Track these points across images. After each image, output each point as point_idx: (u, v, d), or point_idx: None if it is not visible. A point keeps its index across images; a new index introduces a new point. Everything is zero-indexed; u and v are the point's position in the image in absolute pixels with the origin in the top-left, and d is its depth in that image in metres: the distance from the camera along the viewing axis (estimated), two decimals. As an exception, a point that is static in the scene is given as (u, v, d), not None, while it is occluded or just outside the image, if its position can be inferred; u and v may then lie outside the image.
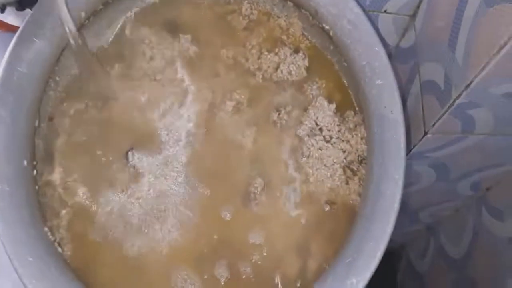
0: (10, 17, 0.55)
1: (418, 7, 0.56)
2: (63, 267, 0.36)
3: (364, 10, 0.44)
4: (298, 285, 0.39)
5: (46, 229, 0.38)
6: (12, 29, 0.56)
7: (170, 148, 0.45)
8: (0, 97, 0.36)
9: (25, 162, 0.37)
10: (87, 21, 0.44)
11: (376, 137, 0.38)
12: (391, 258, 0.87)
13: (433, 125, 0.51)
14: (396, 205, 0.35)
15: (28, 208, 0.36)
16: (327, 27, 0.44)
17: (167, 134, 0.45)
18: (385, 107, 0.38)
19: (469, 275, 0.66)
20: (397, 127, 0.38)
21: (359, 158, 0.43)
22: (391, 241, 0.85)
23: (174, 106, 0.46)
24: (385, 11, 0.56)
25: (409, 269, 0.84)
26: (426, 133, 0.52)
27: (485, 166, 0.59)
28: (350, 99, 0.46)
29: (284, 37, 0.50)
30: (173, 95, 0.47)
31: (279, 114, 0.45)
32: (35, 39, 0.38)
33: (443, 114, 0.49)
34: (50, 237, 0.38)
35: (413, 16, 0.58)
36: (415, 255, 0.82)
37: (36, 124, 0.40)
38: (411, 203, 0.72)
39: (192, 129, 0.46)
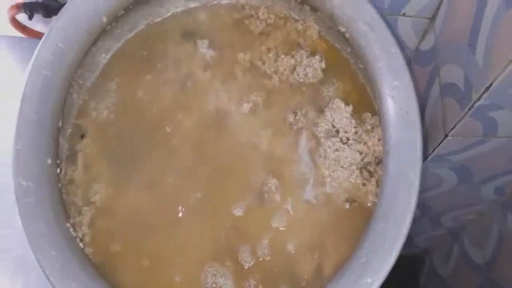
0: (38, 24, 0.58)
1: (437, 9, 0.56)
2: (85, 263, 0.37)
3: (379, 12, 0.44)
4: (314, 282, 0.39)
5: (68, 225, 0.39)
6: (40, 35, 0.58)
7: (187, 147, 0.46)
8: (27, 98, 0.38)
9: (49, 161, 0.39)
10: (109, 26, 0.45)
11: (392, 138, 0.37)
12: (415, 262, 0.86)
13: (453, 127, 0.50)
14: (412, 206, 0.35)
15: (51, 204, 0.37)
16: (343, 29, 0.44)
17: (184, 131, 0.46)
18: (401, 108, 0.38)
19: (494, 280, 0.64)
20: (413, 127, 0.37)
21: (376, 160, 0.43)
22: (414, 245, 0.84)
23: (192, 107, 0.47)
24: (403, 14, 0.56)
25: (433, 273, 0.82)
26: (446, 136, 0.51)
27: (509, 169, 0.57)
28: (367, 100, 0.45)
29: (301, 40, 0.50)
30: (192, 97, 0.48)
31: (295, 116, 0.46)
32: (60, 44, 0.39)
33: (463, 117, 0.48)
34: (72, 233, 0.39)
35: (433, 18, 0.57)
36: (439, 259, 0.81)
37: (60, 124, 0.41)
38: (433, 207, 0.70)
39: (209, 129, 0.46)
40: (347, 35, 0.44)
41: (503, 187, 0.61)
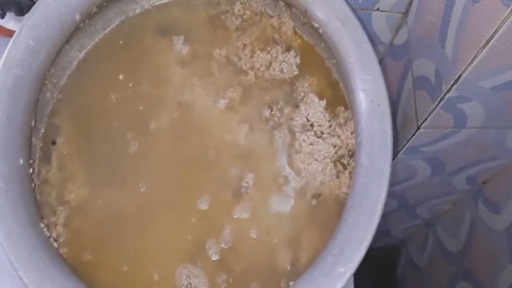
0: (10, 22, 0.57)
1: (410, 4, 0.57)
2: (60, 263, 0.37)
3: (353, 7, 0.45)
4: (290, 275, 0.39)
5: (42, 225, 0.39)
6: (12, 34, 0.57)
7: (163, 144, 0.46)
8: (-5, 97, 0.37)
9: (21, 161, 0.38)
10: (82, 24, 0.45)
11: (364, 130, 0.38)
12: (391, 253, 0.88)
13: (425, 119, 0.51)
14: (382, 195, 0.36)
15: (24, 205, 0.37)
16: (316, 25, 0.44)
17: (160, 129, 0.46)
18: (372, 101, 0.39)
19: (467, 268, 0.66)
20: (384, 119, 0.38)
21: (350, 153, 0.44)
22: (391, 236, 0.86)
23: (168, 104, 0.47)
24: (377, 9, 0.57)
25: (409, 264, 0.84)
26: (418, 128, 0.53)
27: (480, 160, 0.59)
28: (341, 95, 0.46)
29: (276, 36, 0.50)
30: (168, 94, 0.48)
31: (271, 111, 0.46)
32: (31, 42, 0.39)
33: (434, 109, 0.50)
34: (46, 233, 0.39)
35: (406, 13, 0.58)
36: (415, 249, 0.83)
37: (33, 123, 0.41)
38: (409, 198, 0.72)
39: (185, 126, 0.46)
40: (320, 31, 0.44)
41: (474, 177, 0.63)
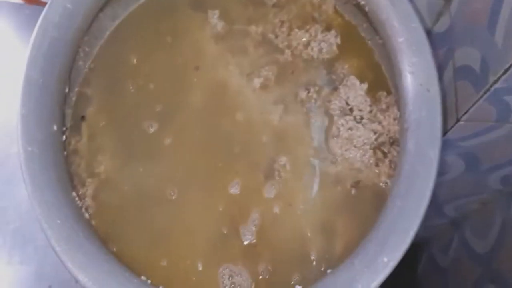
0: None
1: (455, -10, 0.54)
2: (90, 233, 0.35)
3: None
4: (325, 262, 0.38)
5: (74, 194, 0.37)
6: (42, 3, 0.56)
7: (194, 121, 0.44)
8: (32, 60, 0.36)
9: (55, 127, 0.37)
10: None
11: (411, 116, 0.36)
12: (413, 251, 0.85)
13: (466, 112, 0.49)
14: (431, 184, 0.34)
15: (56, 172, 0.36)
16: (362, 2, 0.42)
17: (191, 105, 0.44)
18: (421, 84, 0.37)
19: (495, 270, 0.64)
20: (434, 105, 0.36)
21: (391, 140, 0.41)
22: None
23: (201, 80, 0.45)
24: (420, -6, 0.54)
25: (431, 262, 0.82)
26: (458, 120, 0.50)
27: (518, 158, 0.56)
28: (383, 79, 0.44)
29: (316, 14, 0.48)
30: (201, 70, 0.46)
31: (308, 92, 0.44)
32: (68, 5, 0.37)
33: (477, 100, 0.47)
34: (78, 202, 0.37)
35: (448, 0, 0.56)
36: (438, 248, 0.80)
37: (66, 90, 0.39)
38: (437, 195, 0.70)
39: (218, 103, 0.45)
40: (366, 9, 0.42)
41: (509, 176, 0.60)
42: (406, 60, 0.38)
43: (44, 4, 0.55)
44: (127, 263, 0.36)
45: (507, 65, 0.42)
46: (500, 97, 0.46)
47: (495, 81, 0.44)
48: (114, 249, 0.38)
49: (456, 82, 0.52)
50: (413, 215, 0.33)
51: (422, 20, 0.58)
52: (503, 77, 0.43)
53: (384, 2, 0.40)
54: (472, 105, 0.48)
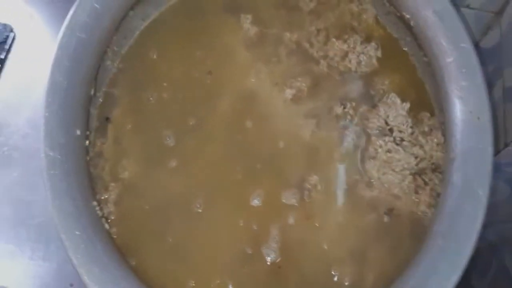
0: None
1: (506, 3, 0.50)
2: (109, 246, 0.34)
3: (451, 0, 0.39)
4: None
5: (94, 203, 0.36)
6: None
7: (221, 130, 0.42)
8: (58, 61, 0.34)
9: (78, 131, 0.35)
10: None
11: (459, 145, 0.33)
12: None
13: (516, 136, 0.45)
14: (478, 225, 0.31)
15: (78, 179, 0.34)
16: (407, 16, 0.39)
17: (219, 112, 0.42)
18: (471, 112, 0.34)
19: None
20: (484, 135, 0.33)
21: (433, 166, 0.38)
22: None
23: (230, 87, 0.43)
24: (467, 6, 0.51)
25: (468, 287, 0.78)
26: (507, 145, 0.47)
27: None
28: (426, 98, 0.41)
29: (355, 24, 0.45)
30: (231, 76, 0.44)
31: (344, 108, 0.41)
32: (96, 5, 0.35)
33: (529, 126, 0.43)
34: (98, 212, 0.36)
35: (499, 13, 0.52)
36: (475, 273, 0.76)
37: (92, 93, 0.38)
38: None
39: (247, 113, 0.42)
40: (411, 23, 0.39)
41: (554, 205, 0.56)
42: (454, 83, 0.34)
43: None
44: (145, 279, 0.34)
45: None
46: (553, 124, 0.42)
47: (550, 107, 0.40)
48: (133, 263, 0.36)
49: (506, 103, 0.48)
50: (456, 259, 0.30)
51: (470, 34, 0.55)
52: (559, 103, 0.39)
53: (432, 18, 0.37)
54: (522, 130, 0.44)
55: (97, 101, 0.41)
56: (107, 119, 0.41)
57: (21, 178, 0.48)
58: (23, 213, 0.47)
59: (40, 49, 0.53)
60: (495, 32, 0.53)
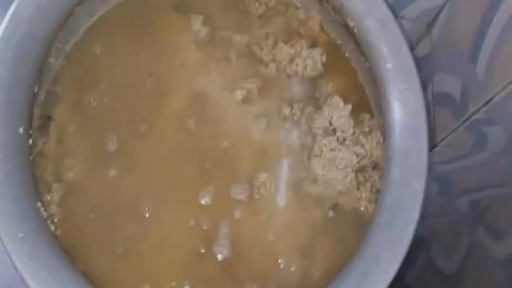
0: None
1: (437, 15, 0.55)
2: (55, 247, 0.33)
3: (392, 10, 0.42)
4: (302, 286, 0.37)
5: (39, 204, 0.34)
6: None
7: (172, 130, 0.42)
8: (1, 56, 0.33)
9: (21, 130, 0.34)
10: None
11: (397, 144, 0.36)
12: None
13: (444, 138, 0.49)
14: (415, 217, 0.33)
15: (21, 180, 0.33)
16: (352, 24, 0.41)
17: (170, 112, 0.42)
18: (408, 113, 0.37)
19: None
20: (420, 135, 0.36)
21: (373, 164, 0.41)
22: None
23: (180, 86, 0.43)
24: (402, 17, 0.55)
25: (396, 278, 0.83)
26: (435, 146, 0.50)
27: (487, 185, 0.58)
28: (366, 101, 0.44)
29: (302, 30, 0.47)
30: (180, 76, 0.44)
31: (291, 109, 0.43)
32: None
33: (456, 128, 0.47)
34: (43, 213, 0.35)
35: (430, 24, 0.56)
36: (404, 265, 0.81)
37: (36, 90, 0.36)
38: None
39: (197, 113, 0.43)
40: (355, 31, 0.41)
41: (478, 200, 0.61)
42: (393, 87, 0.37)
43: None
44: (96, 283, 0.34)
45: (488, 98, 0.42)
46: (478, 127, 0.46)
47: (475, 112, 0.44)
48: (80, 267, 0.35)
49: (435, 107, 0.52)
50: (397, 247, 0.32)
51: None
52: (483, 109, 0.43)
53: (374, 26, 0.39)
54: (450, 133, 0.48)
55: (39, 99, 0.40)
56: (49, 117, 0.40)
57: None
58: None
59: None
60: (426, 42, 0.57)
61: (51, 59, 0.40)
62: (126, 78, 0.43)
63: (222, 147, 0.42)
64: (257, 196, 0.40)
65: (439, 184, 0.59)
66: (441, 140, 0.50)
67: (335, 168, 0.40)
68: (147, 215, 0.39)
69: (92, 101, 0.42)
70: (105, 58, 0.44)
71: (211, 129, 0.43)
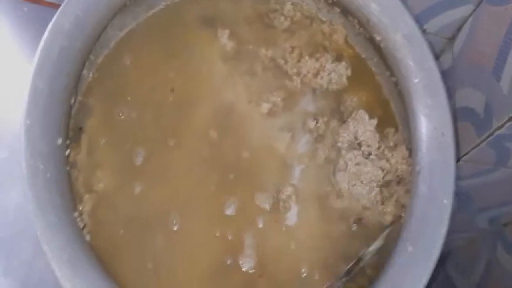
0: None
1: (458, 30, 0.55)
2: (91, 256, 0.33)
3: (418, 24, 0.42)
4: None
5: (76, 214, 0.35)
6: (41, 2, 0.53)
7: (198, 142, 0.43)
8: (40, 68, 0.34)
9: (60, 140, 0.35)
10: (129, 1, 0.42)
11: (424, 159, 0.36)
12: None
13: (467, 153, 0.49)
14: (443, 232, 0.33)
15: (59, 190, 0.33)
16: (378, 38, 0.42)
17: (196, 124, 0.43)
18: (435, 128, 0.37)
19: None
20: (448, 150, 0.36)
21: (397, 179, 0.41)
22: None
23: (206, 99, 0.44)
24: (424, 31, 0.55)
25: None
26: (458, 160, 0.50)
27: (508, 201, 0.57)
28: (391, 115, 0.44)
29: (327, 43, 0.48)
30: (207, 88, 0.44)
31: (316, 122, 0.43)
32: (79, 13, 0.35)
33: (479, 143, 0.47)
34: (80, 223, 0.35)
35: (452, 38, 0.56)
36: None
37: (72, 101, 0.37)
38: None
39: (224, 126, 0.43)
40: (382, 45, 0.42)
41: (498, 217, 0.61)
42: (420, 101, 0.38)
43: (43, 3, 0.53)
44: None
45: (512, 114, 0.42)
46: (502, 143, 0.46)
47: (499, 127, 0.44)
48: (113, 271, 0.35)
49: (457, 122, 0.52)
50: (425, 262, 0.32)
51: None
52: (508, 124, 0.43)
53: (401, 41, 0.40)
54: (474, 147, 0.48)
55: (75, 110, 0.41)
56: (80, 129, 0.41)
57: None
58: (-17, 227, 0.45)
59: (2, 54, 0.52)
60: (447, 56, 0.57)
61: (84, 71, 0.41)
62: (152, 91, 0.44)
63: (246, 160, 0.42)
64: (281, 209, 0.40)
65: (459, 199, 0.58)
66: (463, 155, 0.50)
67: (360, 182, 0.41)
68: (175, 228, 0.39)
69: (119, 115, 0.42)
70: (133, 71, 0.44)
71: (235, 142, 0.43)
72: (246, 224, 0.40)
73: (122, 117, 0.42)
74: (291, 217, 0.40)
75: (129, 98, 0.43)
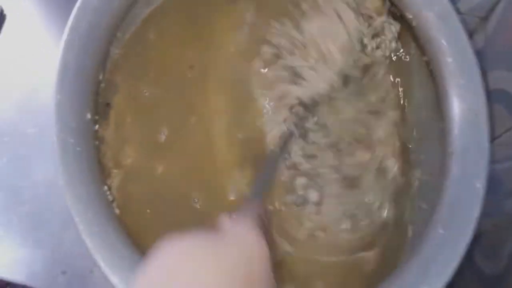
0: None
1: (492, 9, 0.53)
2: (120, 229, 0.34)
3: (452, 3, 0.41)
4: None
5: (105, 188, 0.36)
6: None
7: (221, 120, 0.42)
8: (69, 44, 0.34)
9: (89, 115, 0.35)
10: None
11: (457, 141, 0.35)
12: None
13: (499, 136, 0.48)
14: (475, 216, 0.33)
15: (89, 164, 0.34)
16: (410, 16, 0.40)
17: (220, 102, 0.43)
18: (469, 109, 0.36)
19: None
20: (481, 131, 0.35)
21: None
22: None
23: (231, 78, 0.43)
24: (457, 9, 0.53)
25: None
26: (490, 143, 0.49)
27: (539, 185, 0.56)
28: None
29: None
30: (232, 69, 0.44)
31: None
32: (106, -12, 0.35)
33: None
34: (109, 197, 0.36)
35: (485, 18, 0.54)
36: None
37: (101, 77, 0.37)
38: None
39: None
40: (413, 23, 0.40)
41: (527, 202, 0.59)
42: (453, 82, 0.36)
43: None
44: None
45: (548, 94, 0.41)
46: (536, 125, 0.45)
47: (534, 109, 0.43)
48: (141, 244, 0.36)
49: (490, 104, 0.50)
50: (456, 246, 0.32)
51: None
52: (543, 106, 0.42)
53: (434, 19, 0.38)
54: (506, 130, 0.47)
55: (101, 87, 0.41)
56: (108, 104, 0.41)
57: (10, 163, 0.47)
58: (13, 199, 0.46)
59: (30, 30, 0.52)
60: (480, 36, 0.55)
61: (111, 48, 0.41)
62: (172, 68, 0.44)
63: (261, 138, 0.42)
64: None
65: (489, 183, 0.57)
66: (495, 138, 0.48)
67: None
68: (198, 206, 0.39)
69: (145, 91, 0.42)
70: (156, 48, 0.44)
71: (251, 122, 0.43)
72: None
73: (147, 94, 0.42)
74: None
75: (152, 75, 0.43)
